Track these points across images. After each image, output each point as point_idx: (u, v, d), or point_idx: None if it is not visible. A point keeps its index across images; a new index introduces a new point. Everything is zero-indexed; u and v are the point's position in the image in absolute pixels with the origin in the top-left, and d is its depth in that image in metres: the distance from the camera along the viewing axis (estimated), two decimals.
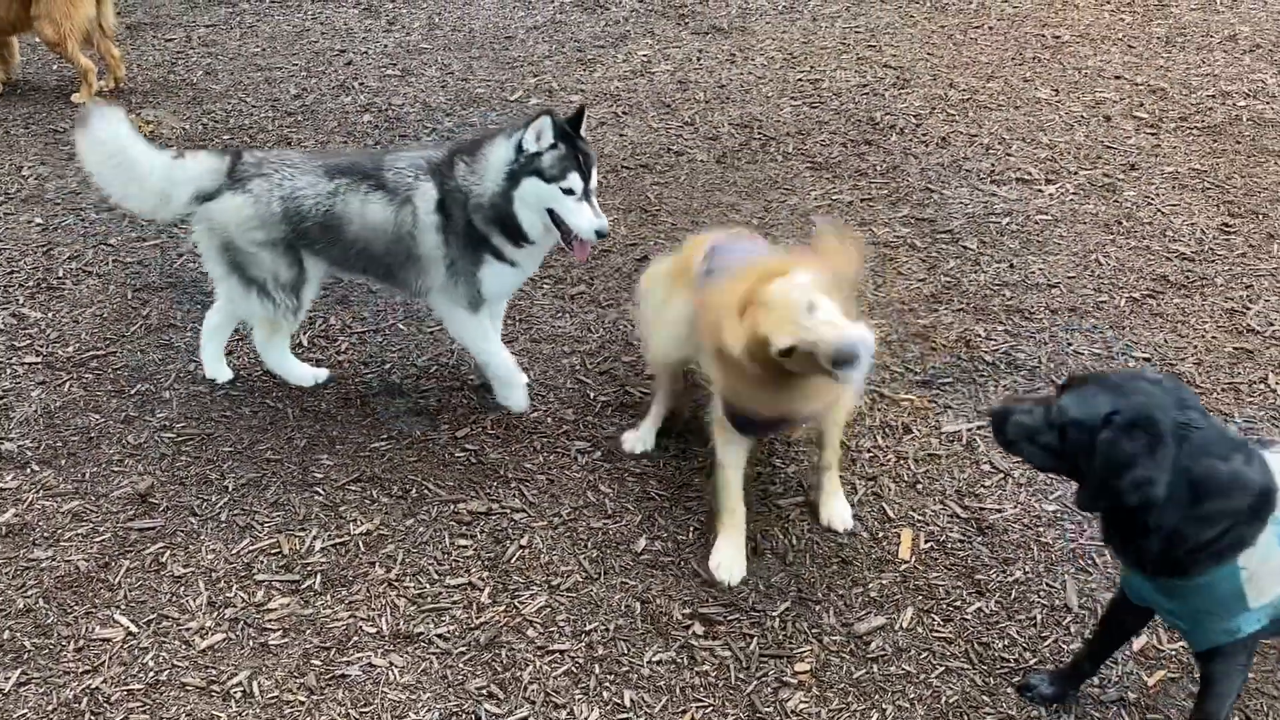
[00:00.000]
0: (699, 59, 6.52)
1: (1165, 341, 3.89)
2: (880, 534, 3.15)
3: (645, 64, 6.48)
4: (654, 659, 2.79)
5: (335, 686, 2.74)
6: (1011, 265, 4.38)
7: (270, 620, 2.92)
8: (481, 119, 5.82)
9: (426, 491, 3.34)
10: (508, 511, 3.26)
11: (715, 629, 2.87)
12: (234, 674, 2.78)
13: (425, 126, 5.77)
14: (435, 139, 5.62)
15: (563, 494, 3.32)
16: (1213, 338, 3.91)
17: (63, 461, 3.49)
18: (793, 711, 2.65)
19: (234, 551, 3.14)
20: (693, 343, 3.11)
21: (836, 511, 3.17)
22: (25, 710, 2.69)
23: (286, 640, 2.87)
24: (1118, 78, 6.03)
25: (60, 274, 4.51)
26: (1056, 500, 3.23)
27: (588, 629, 2.88)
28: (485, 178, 3.26)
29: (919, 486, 3.31)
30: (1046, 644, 2.80)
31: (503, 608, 2.95)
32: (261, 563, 3.11)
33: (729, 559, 3.00)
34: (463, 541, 3.16)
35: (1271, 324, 3.98)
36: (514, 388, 3.59)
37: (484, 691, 2.72)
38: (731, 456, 3.03)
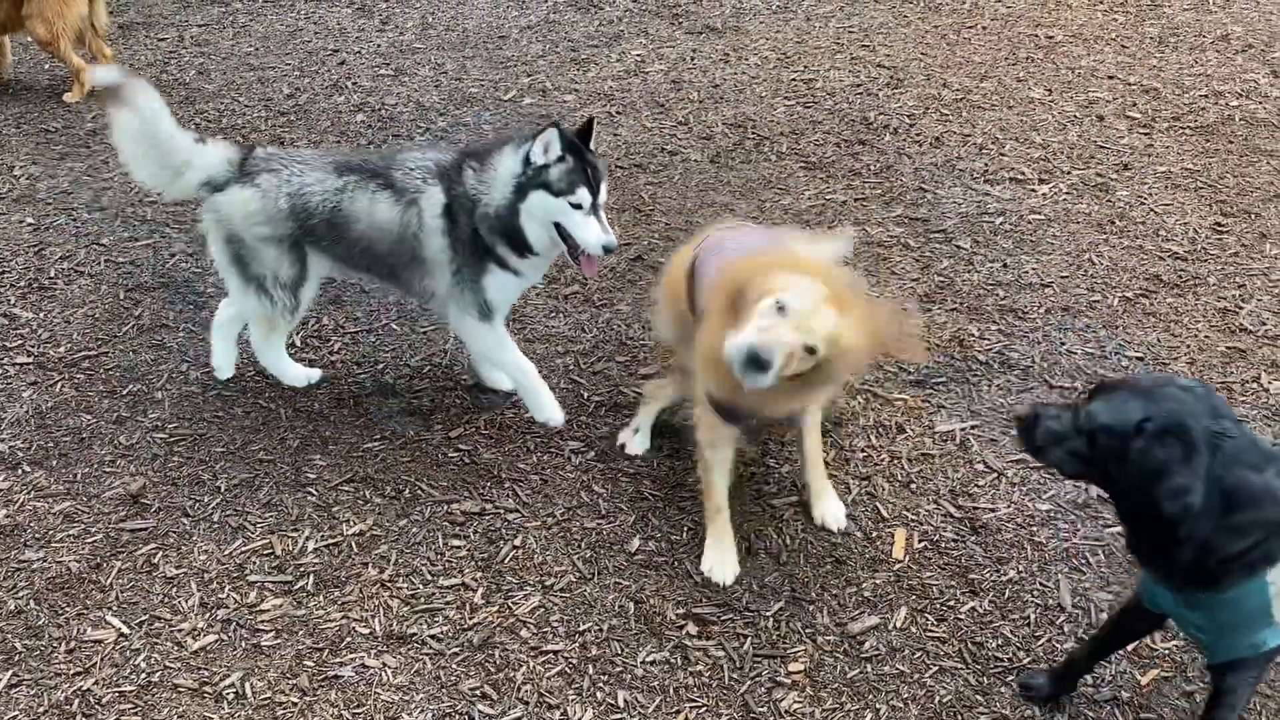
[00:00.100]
0: (693, 59, 6.52)
1: (1158, 341, 3.90)
2: (874, 533, 3.15)
3: (639, 64, 6.47)
4: (648, 659, 2.79)
5: (328, 687, 2.73)
6: (1005, 265, 4.38)
7: (263, 621, 2.92)
8: (475, 119, 5.81)
9: (420, 492, 3.33)
10: (501, 512, 3.25)
11: (709, 629, 2.87)
12: (226, 675, 2.77)
13: (419, 126, 5.76)
14: (429, 138, 5.61)
15: (556, 494, 3.32)
16: (1205, 337, 3.92)
17: (54, 462, 3.48)
18: (786, 711, 2.65)
19: (226, 552, 3.13)
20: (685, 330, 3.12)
21: (830, 511, 3.17)
22: (16, 712, 2.68)
23: (279, 641, 2.86)
24: (1111, 77, 6.04)
25: (52, 274, 4.50)
26: (1050, 500, 3.24)
27: (581, 629, 2.88)
28: (493, 187, 3.22)
29: (913, 486, 3.31)
30: (1040, 643, 2.80)
31: (496, 608, 2.94)
32: (254, 563, 3.10)
33: (718, 559, 3.00)
34: (456, 542, 3.15)
35: (1264, 323, 3.99)
36: (540, 396, 3.48)
37: (477, 692, 2.71)
38: (717, 456, 3.02)
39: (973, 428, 3.52)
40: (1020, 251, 4.47)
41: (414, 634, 2.87)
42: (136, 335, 4.10)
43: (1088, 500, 3.22)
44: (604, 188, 3.21)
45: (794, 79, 6.18)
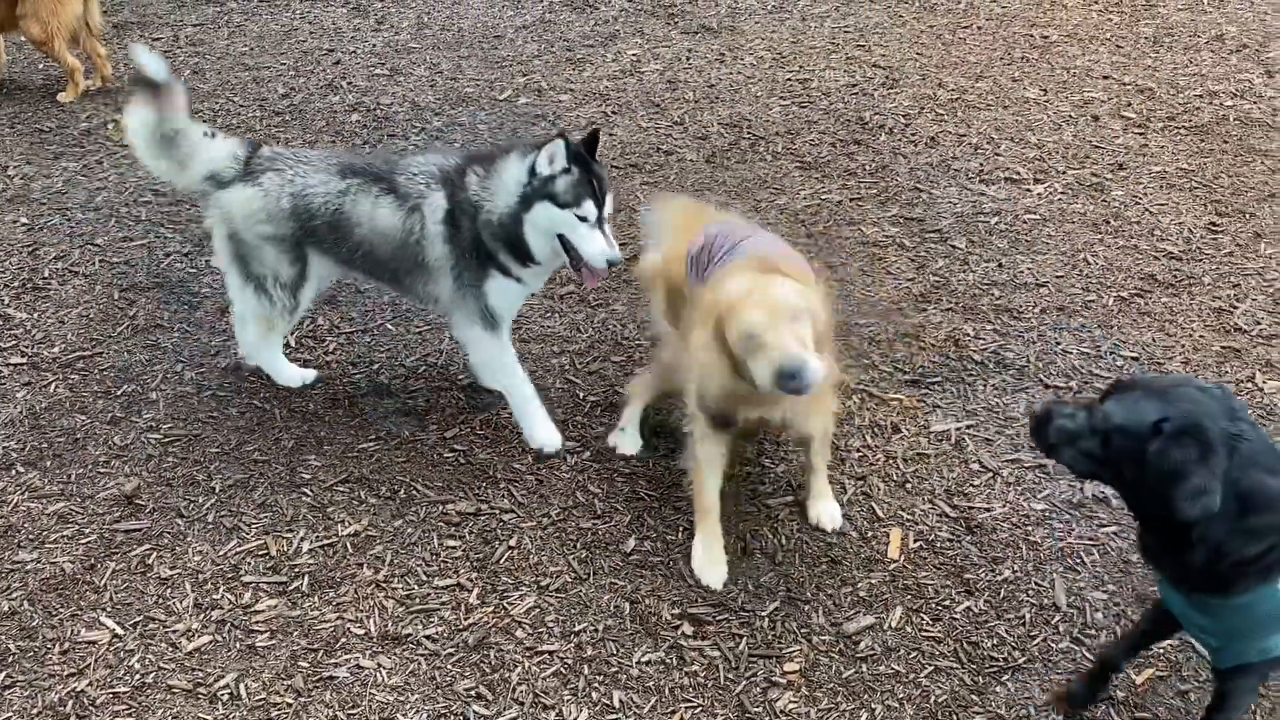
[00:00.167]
0: (688, 58, 6.52)
1: (1153, 340, 3.91)
2: (869, 533, 3.15)
3: (634, 63, 6.47)
4: (643, 659, 2.79)
5: (323, 688, 2.73)
6: (1000, 264, 4.39)
7: (257, 622, 2.91)
8: (470, 118, 5.80)
9: (415, 492, 3.33)
10: (496, 512, 3.25)
11: (704, 629, 2.87)
12: (221, 676, 2.76)
13: (414, 126, 5.75)
14: (424, 138, 5.60)
15: (552, 494, 3.31)
16: (1200, 336, 3.92)
17: (48, 463, 3.47)
18: (782, 711, 2.65)
19: (221, 553, 3.13)
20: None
21: (825, 511, 3.17)
22: (10, 714, 2.67)
23: (274, 642, 2.85)
24: (1106, 77, 6.04)
25: (46, 274, 4.49)
26: (1044, 499, 3.24)
27: (576, 629, 2.88)
28: (497, 196, 3.19)
29: (908, 486, 3.31)
30: (1035, 643, 2.81)
31: (491, 608, 2.94)
32: (249, 564, 3.09)
33: (707, 562, 3.00)
34: (451, 542, 3.15)
35: (1258, 323, 3.99)
36: (534, 420, 3.44)
37: (472, 692, 2.71)
38: (707, 455, 3.02)
39: (968, 427, 3.52)
40: (1015, 251, 4.48)
41: (409, 634, 2.87)
42: (131, 335, 4.09)
43: (1082, 500, 3.23)
44: (609, 200, 3.18)
45: (789, 79, 6.18)
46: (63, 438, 3.57)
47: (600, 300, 4.23)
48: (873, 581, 3.00)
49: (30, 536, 3.19)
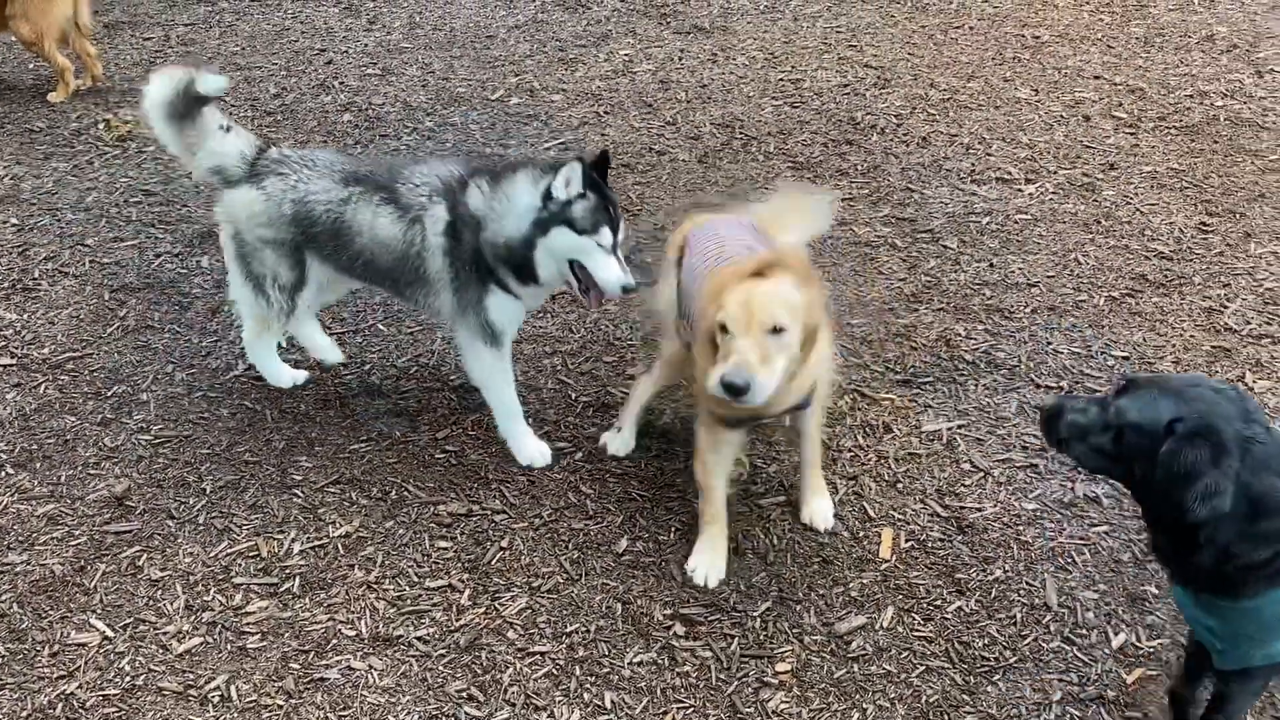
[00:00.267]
0: (680, 58, 6.52)
1: (1144, 340, 3.91)
2: (861, 533, 3.15)
3: (627, 63, 6.47)
4: (635, 660, 2.79)
5: (314, 690, 2.72)
6: (991, 264, 4.40)
7: (248, 624, 2.90)
8: (462, 118, 5.80)
9: (406, 493, 3.32)
10: (488, 513, 3.24)
11: (696, 629, 2.87)
12: (211, 678, 2.75)
13: (406, 126, 5.74)
14: (416, 138, 5.59)
15: (543, 495, 3.31)
16: (1191, 336, 3.94)
17: (38, 464, 3.46)
18: (774, 712, 2.65)
19: (212, 554, 3.12)
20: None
21: (817, 510, 3.17)
22: (0, 716, 2.66)
23: (265, 644, 2.85)
24: (1097, 77, 6.06)
25: (36, 275, 4.47)
26: (1036, 499, 3.24)
27: (568, 630, 2.87)
28: (506, 218, 3.12)
29: (899, 486, 3.32)
30: (1026, 642, 2.81)
31: (483, 610, 2.93)
32: (240, 566, 3.08)
33: (709, 561, 3.00)
34: (443, 543, 3.14)
35: (1248, 322, 4.00)
36: (522, 440, 3.43)
37: (464, 694, 2.71)
38: (718, 459, 3.00)
39: (959, 427, 3.53)
40: (1007, 251, 4.48)
41: (400, 636, 2.86)
42: (121, 336, 4.08)
43: (1073, 500, 3.23)
44: (623, 225, 3.15)
45: (781, 79, 6.18)
46: (52, 439, 3.56)
47: None
48: (864, 581, 3.00)
49: (20, 538, 3.18)
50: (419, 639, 2.85)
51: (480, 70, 6.44)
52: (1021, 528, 3.15)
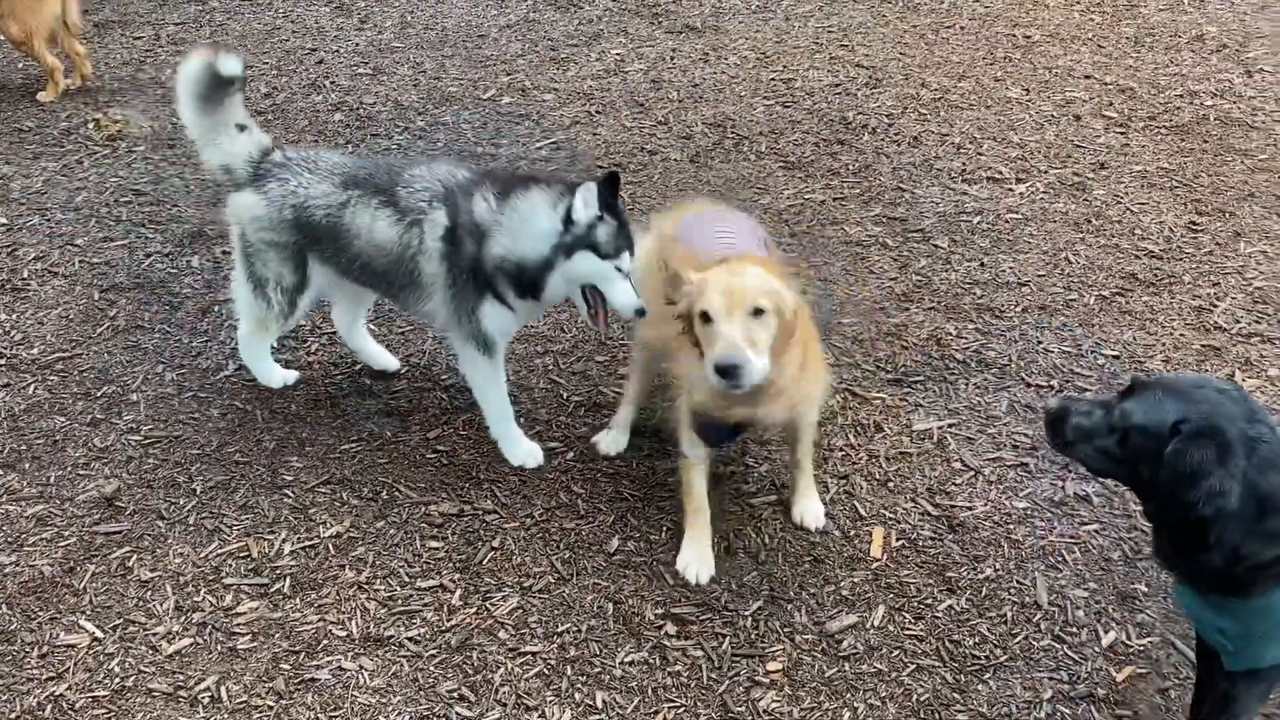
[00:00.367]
0: (672, 58, 6.52)
1: (1134, 339, 3.93)
2: (852, 532, 3.16)
3: (618, 63, 6.46)
4: (626, 659, 2.79)
5: (304, 691, 2.72)
6: (982, 264, 4.40)
7: (239, 624, 2.90)
8: (454, 118, 5.79)
9: (397, 493, 3.31)
10: (479, 513, 3.24)
11: (687, 629, 2.87)
12: (202, 679, 2.75)
13: (397, 125, 5.73)
14: (408, 137, 5.58)
15: (535, 495, 3.31)
16: (1181, 335, 3.95)
17: (27, 465, 3.44)
18: (765, 711, 2.65)
19: (202, 555, 3.11)
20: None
21: (809, 510, 3.17)
22: None
23: (255, 644, 2.84)
24: (1087, 77, 6.07)
25: (25, 275, 4.45)
26: (1026, 498, 3.25)
27: (560, 630, 2.87)
28: (520, 238, 3.08)
29: (890, 484, 3.32)
30: (1017, 641, 2.82)
31: (474, 610, 2.93)
32: (230, 566, 3.08)
33: (695, 558, 3.00)
34: (434, 543, 3.14)
35: (1238, 321, 4.02)
36: (514, 442, 3.42)
37: (455, 694, 2.70)
38: (697, 455, 3.02)
39: (950, 426, 3.53)
40: (997, 250, 4.49)
41: (391, 636, 2.86)
42: (111, 336, 4.06)
43: (1064, 498, 3.24)
44: (635, 248, 3.14)
45: (773, 78, 6.18)
46: (41, 439, 3.55)
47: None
48: (855, 580, 3.00)
49: (9, 539, 3.17)
50: (410, 639, 2.85)
51: (472, 69, 6.43)
52: (1012, 526, 3.16)
